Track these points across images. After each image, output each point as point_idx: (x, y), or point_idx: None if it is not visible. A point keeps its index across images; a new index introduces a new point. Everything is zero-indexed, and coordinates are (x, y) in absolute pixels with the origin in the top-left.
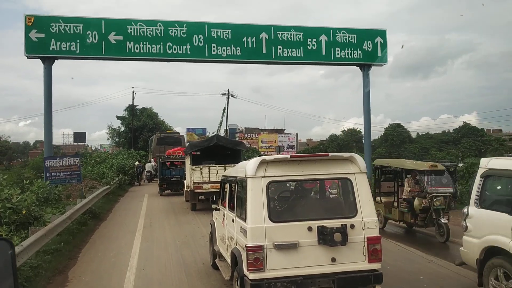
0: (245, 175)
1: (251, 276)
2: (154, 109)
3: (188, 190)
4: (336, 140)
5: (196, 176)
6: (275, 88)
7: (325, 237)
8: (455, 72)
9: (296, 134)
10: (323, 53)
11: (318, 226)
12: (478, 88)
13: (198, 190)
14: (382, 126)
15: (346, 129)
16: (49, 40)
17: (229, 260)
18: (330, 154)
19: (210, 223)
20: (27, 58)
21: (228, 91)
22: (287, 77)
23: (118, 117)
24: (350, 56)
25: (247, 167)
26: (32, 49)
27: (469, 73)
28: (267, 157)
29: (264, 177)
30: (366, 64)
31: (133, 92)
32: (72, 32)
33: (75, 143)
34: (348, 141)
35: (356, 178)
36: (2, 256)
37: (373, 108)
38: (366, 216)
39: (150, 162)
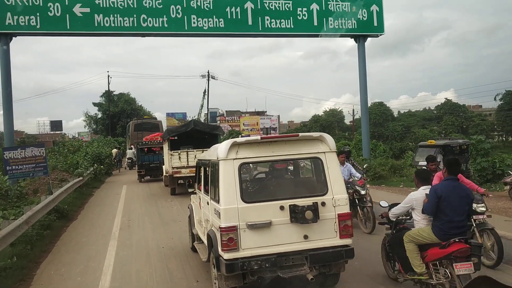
0: (217, 158)
1: (226, 256)
2: (132, 95)
3: (167, 175)
4: (318, 120)
5: (174, 161)
6: (255, 71)
7: (297, 215)
8: (432, 49)
9: (278, 116)
10: (315, 23)
11: (290, 205)
12: (455, 65)
13: (177, 175)
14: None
15: (327, 110)
16: (4, 14)
17: (206, 242)
18: (300, 134)
19: (188, 207)
20: None
21: (208, 72)
22: (266, 59)
23: (94, 104)
24: (344, 27)
25: (218, 150)
26: None
27: (446, 50)
28: (238, 140)
29: (236, 159)
30: (362, 35)
31: (108, 76)
32: (31, 4)
33: (52, 132)
34: (331, 122)
35: (326, 157)
36: None
37: (352, 87)
38: (337, 194)
39: (131, 148)
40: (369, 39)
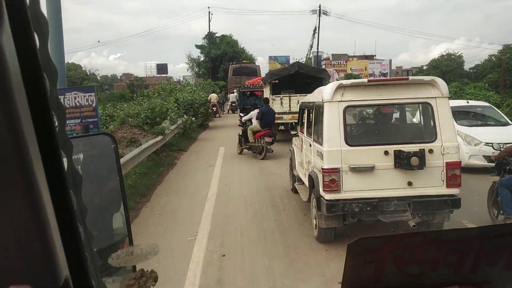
0: (322, 100)
1: (327, 196)
2: (234, 37)
3: None
4: (438, 66)
5: (276, 106)
6: (360, 14)
7: (402, 161)
8: None
9: (390, 60)
10: None
11: (394, 150)
12: None
13: (278, 121)
14: (479, 50)
15: (443, 54)
16: None
17: (307, 183)
18: (410, 77)
19: (289, 150)
20: None
21: (319, 7)
22: (373, 1)
23: (197, 46)
24: None
25: (324, 92)
26: None
27: None
28: (344, 82)
29: (341, 101)
30: None
31: (209, 13)
32: None
33: (158, 75)
34: (452, 67)
35: (437, 102)
36: (106, 149)
37: (466, 30)
38: (446, 141)
39: (233, 92)
40: None
